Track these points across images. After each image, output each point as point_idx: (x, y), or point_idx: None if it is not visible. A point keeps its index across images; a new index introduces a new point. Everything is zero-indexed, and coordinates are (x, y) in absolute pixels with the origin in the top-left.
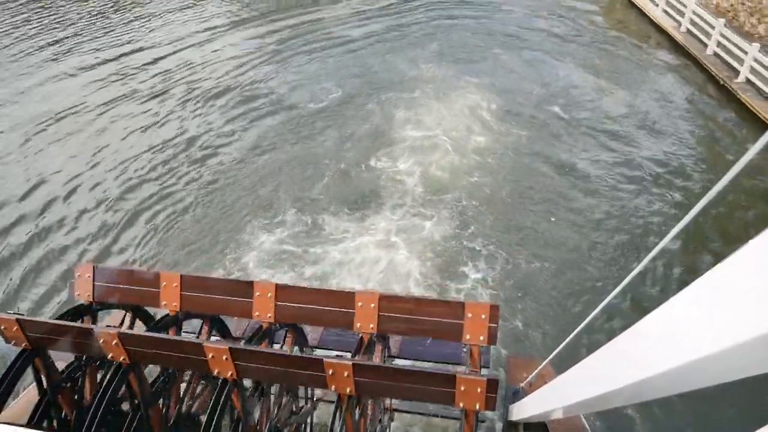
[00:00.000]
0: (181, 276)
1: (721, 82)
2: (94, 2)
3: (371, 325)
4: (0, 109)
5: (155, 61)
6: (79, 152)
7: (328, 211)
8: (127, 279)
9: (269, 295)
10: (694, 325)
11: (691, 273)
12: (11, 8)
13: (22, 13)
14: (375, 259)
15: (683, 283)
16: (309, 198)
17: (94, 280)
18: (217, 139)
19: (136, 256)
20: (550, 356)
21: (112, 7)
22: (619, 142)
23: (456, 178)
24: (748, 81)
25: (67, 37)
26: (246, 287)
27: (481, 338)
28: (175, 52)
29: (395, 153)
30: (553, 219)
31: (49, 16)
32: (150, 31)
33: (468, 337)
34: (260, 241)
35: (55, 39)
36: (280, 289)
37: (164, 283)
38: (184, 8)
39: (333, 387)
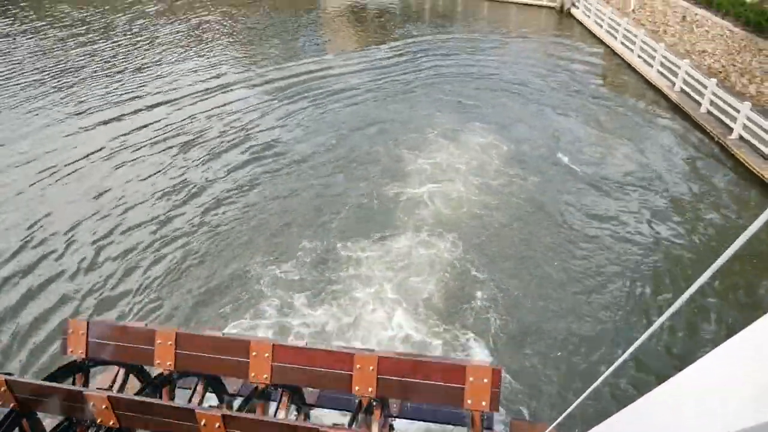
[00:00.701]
0: (177, 333)
1: (716, 139)
2: (102, 55)
3: (370, 389)
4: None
5: (158, 108)
6: (79, 199)
7: (342, 241)
8: (121, 335)
9: (266, 355)
10: (703, 403)
11: (698, 339)
12: (14, 52)
13: (26, 59)
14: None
15: (689, 352)
16: (322, 236)
17: (87, 336)
18: (222, 186)
19: (137, 304)
20: (557, 421)
21: (120, 56)
22: (621, 194)
23: (464, 219)
24: (742, 138)
25: (72, 85)
26: (242, 346)
27: (483, 403)
28: (178, 100)
29: (408, 194)
30: (556, 263)
31: (55, 64)
32: (154, 80)
33: (470, 402)
34: (267, 281)
35: (59, 86)
36: (277, 348)
37: (159, 341)
38: (189, 59)
39: None
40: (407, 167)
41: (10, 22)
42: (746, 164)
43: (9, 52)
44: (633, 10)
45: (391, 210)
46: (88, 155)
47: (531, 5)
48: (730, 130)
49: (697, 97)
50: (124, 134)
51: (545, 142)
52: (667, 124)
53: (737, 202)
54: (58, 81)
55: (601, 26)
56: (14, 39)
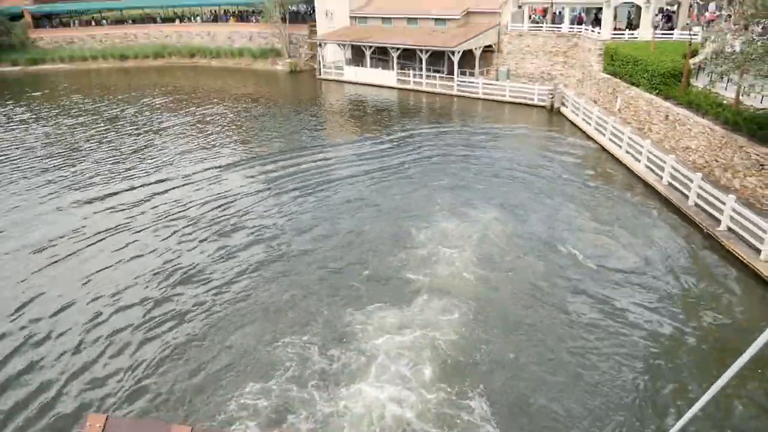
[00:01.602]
0: (193, 430)
1: (705, 231)
2: (108, 143)
3: None
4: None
5: (159, 193)
6: (76, 285)
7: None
8: (137, 431)
9: None
10: None
11: None
12: (27, 138)
13: (38, 144)
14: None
15: None
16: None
17: (104, 431)
18: (220, 269)
19: (135, 392)
20: None
21: (125, 144)
22: (613, 284)
23: (465, 299)
24: (730, 230)
25: (77, 170)
26: None
27: None
28: (179, 186)
29: (412, 274)
30: (552, 357)
31: (64, 150)
32: (156, 166)
33: None
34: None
35: (64, 172)
36: None
37: None
38: (192, 148)
39: None
40: (408, 249)
41: (27, 109)
42: (736, 255)
43: (23, 138)
44: (619, 110)
45: (391, 290)
46: (87, 236)
47: (522, 104)
48: (718, 222)
49: (684, 191)
50: (126, 217)
51: (542, 228)
52: (657, 216)
53: (730, 293)
54: (64, 166)
55: (590, 123)
56: (29, 126)
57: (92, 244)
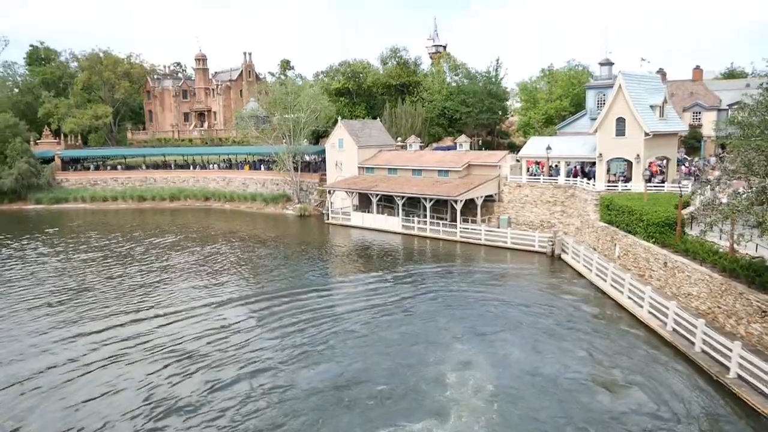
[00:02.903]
0: None
1: (714, 378)
2: (114, 278)
3: None
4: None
5: (160, 327)
6: (60, 415)
7: None
8: None
9: None
10: None
11: None
12: (40, 272)
13: (49, 278)
14: None
15: None
16: None
17: None
18: (208, 405)
19: None
20: None
21: (130, 279)
22: None
23: None
24: (740, 377)
25: (81, 303)
26: None
27: None
28: (180, 320)
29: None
30: None
31: (73, 283)
32: (159, 301)
33: None
34: None
35: (68, 305)
36: None
37: None
38: (198, 284)
39: None
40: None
41: (43, 245)
42: (749, 404)
43: (37, 271)
44: (618, 257)
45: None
46: (79, 367)
47: (524, 250)
48: (727, 369)
49: (689, 336)
50: (121, 349)
51: (551, 369)
52: (664, 362)
53: None
54: (68, 299)
55: (591, 270)
56: (44, 260)
57: (83, 375)
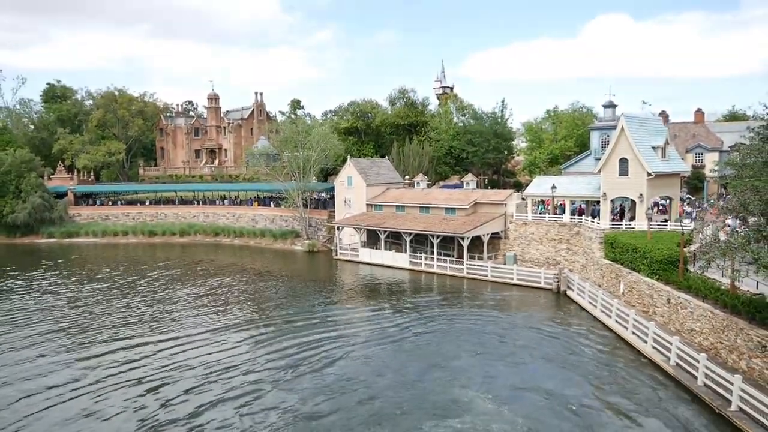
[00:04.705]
0: None
1: (717, 411)
2: (118, 309)
3: None
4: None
5: (162, 358)
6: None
7: None
8: None
9: None
10: None
11: None
12: (50, 302)
13: (58, 308)
14: None
15: None
16: None
17: None
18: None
19: None
20: None
21: (134, 309)
22: None
23: None
24: (741, 410)
25: (86, 330)
26: None
27: None
28: (184, 351)
29: None
30: None
31: (79, 313)
32: (161, 331)
33: None
34: None
35: (73, 333)
36: None
37: None
38: (203, 316)
39: None
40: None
41: (51, 276)
42: None
43: (48, 301)
44: (623, 293)
45: None
46: (72, 390)
47: (530, 286)
48: (729, 402)
49: (692, 371)
50: (117, 373)
51: (556, 402)
52: (667, 395)
53: None
54: (72, 328)
55: (595, 306)
56: (57, 292)
57: (74, 398)
